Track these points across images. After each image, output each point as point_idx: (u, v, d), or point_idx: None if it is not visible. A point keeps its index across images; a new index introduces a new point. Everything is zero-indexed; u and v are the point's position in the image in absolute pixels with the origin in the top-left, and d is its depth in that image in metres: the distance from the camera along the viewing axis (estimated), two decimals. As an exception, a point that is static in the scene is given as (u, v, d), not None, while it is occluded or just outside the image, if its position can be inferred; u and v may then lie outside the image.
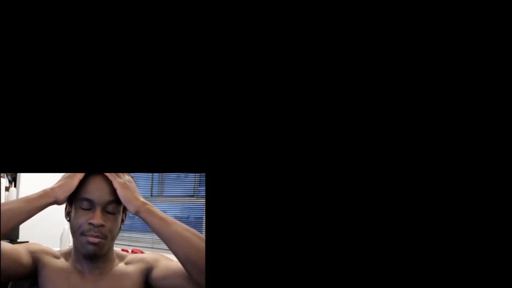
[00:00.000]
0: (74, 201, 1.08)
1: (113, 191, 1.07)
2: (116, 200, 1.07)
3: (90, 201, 1.06)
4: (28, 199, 1.05)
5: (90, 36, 1.40)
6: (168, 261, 1.12)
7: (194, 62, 1.41)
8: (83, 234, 1.06)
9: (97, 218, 1.05)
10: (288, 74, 1.41)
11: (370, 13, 1.41)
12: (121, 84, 1.40)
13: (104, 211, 1.06)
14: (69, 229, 1.12)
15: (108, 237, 1.07)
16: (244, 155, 1.40)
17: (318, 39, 1.41)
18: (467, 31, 1.40)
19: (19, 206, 1.03)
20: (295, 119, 1.41)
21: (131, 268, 1.12)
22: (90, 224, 1.05)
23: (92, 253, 1.07)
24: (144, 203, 1.06)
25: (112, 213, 1.07)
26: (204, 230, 1.40)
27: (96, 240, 1.05)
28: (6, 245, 1.04)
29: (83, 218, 1.06)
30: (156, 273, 1.11)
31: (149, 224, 1.05)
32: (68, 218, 1.11)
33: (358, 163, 1.40)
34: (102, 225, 1.05)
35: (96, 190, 1.07)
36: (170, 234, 1.02)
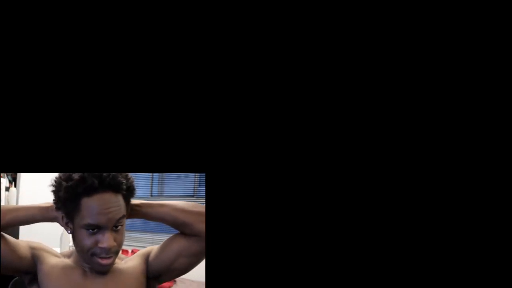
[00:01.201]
0: (75, 220, 1.03)
1: (118, 208, 1.02)
2: (124, 216, 1.04)
3: (98, 226, 1.01)
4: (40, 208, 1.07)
5: (90, 36, 1.40)
6: (160, 244, 1.13)
7: (194, 62, 1.41)
8: (93, 255, 1.03)
9: (108, 241, 1.01)
10: (288, 74, 1.41)
11: (370, 13, 1.41)
12: (121, 84, 1.40)
13: (112, 230, 1.02)
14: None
15: (119, 251, 1.07)
16: (244, 155, 1.40)
17: (318, 39, 1.42)
18: (467, 31, 1.40)
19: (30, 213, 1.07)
20: (294, 119, 1.41)
21: (130, 263, 1.12)
22: (102, 247, 1.01)
23: (104, 271, 1.07)
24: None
25: (119, 228, 1.04)
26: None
27: (109, 261, 1.04)
28: (6, 236, 1.06)
29: (91, 240, 1.02)
30: (153, 253, 1.11)
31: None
32: (69, 231, 1.07)
33: (358, 163, 1.40)
34: (114, 245, 1.03)
35: (103, 214, 1.00)
36: (156, 212, 1.08)
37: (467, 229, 1.37)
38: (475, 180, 1.38)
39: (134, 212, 1.09)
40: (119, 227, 1.03)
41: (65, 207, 1.04)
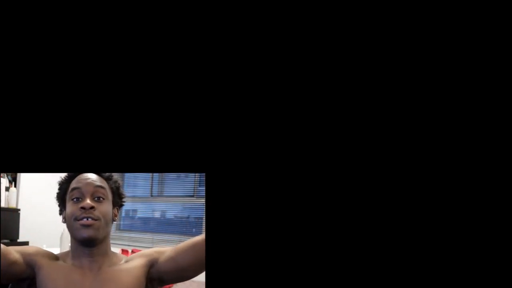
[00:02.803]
0: (67, 199, 1.13)
1: (99, 180, 1.14)
2: (103, 186, 1.14)
3: (78, 189, 1.12)
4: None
5: (90, 36, 1.40)
6: (171, 247, 1.16)
7: (194, 62, 1.41)
8: (76, 219, 1.09)
9: (88, 202, 1.10)
10: (288, 74, 1.41)
11: (370, 13, 1.41)
12: (121, 84, 1.41)
13: (93, 198, 1.11)
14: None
15: (102, 220, 1.10)
16: (244, 155, 1.40)
17: (318, 39, 1.42)
18: (467, 31, 1.40)
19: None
20: (294, 119, 1.41)
21: (131, 264, 1.12)
22: (82, 208, 1.09)
23: (88, 237, 1.09)
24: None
25: (100, 200, 1.12)
26: (204, 230, 1.40)
27: (89, 222, 1.09)
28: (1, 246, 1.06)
29: (75, 207, 1.11)
30: (163, 259, 1.13)
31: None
32: (63, 220, 1.15)
33: (357, 163, 1.40)
34: (92, 207, 1.09)
35: (82, 179, 1.13)
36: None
37: (467, 229, 1.37)
38: (475, 180, 1.38)
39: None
40: (101, 199, 1.12)
41: (62, 191, 1.16)
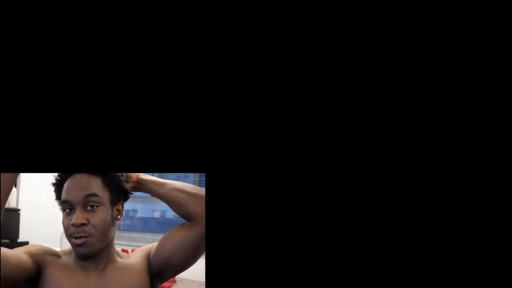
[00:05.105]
0: (60, 207, 1.11)
1: (89, 186, 1.08)
2: (94, 194, 1.08)
3: (67, 202, 1.08)
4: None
5: (90, 36, 1.40)
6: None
7: (194, 62, 1.41)
8: (70, 236, 1.07)
9: (76, 217, 1.06)
10: (288, 74, 1.41)
11: (370, 13, 1.41)
12: (121, 84, 1.41)
13: (84, 209, 1.07)
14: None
15: (95, 234, 1.07)
16: (244, 155, 1.40)
17: (318, 39, 1.42)
18: (467, 31, 1.40)
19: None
20: (294, 119, 1.41)
21: (133, 260, 1.13)
22: (72, 225, 1.06)
23: (83, 254, 1.08)
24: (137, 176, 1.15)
25: (94, 209, 1.08)
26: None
27: (79, 241, 1.06)
28: (7, 251, 1.04)
29: (67, 220, 1.08)
30: (154, 250, 1.13)
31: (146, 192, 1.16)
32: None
33: (357, 163, 1.40)
34: (83, 224, 1.06)
35: (71, 190, 1.08)
36: (163, 191, 1.14)
37: (467, 229, 1.37)
38: (475, 180, 1.38)
39: (140, 186, 1.16)
40: (94, 207, 1.07)
41: (57, 194, 1.11)
